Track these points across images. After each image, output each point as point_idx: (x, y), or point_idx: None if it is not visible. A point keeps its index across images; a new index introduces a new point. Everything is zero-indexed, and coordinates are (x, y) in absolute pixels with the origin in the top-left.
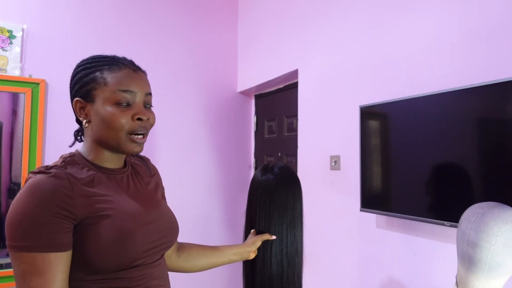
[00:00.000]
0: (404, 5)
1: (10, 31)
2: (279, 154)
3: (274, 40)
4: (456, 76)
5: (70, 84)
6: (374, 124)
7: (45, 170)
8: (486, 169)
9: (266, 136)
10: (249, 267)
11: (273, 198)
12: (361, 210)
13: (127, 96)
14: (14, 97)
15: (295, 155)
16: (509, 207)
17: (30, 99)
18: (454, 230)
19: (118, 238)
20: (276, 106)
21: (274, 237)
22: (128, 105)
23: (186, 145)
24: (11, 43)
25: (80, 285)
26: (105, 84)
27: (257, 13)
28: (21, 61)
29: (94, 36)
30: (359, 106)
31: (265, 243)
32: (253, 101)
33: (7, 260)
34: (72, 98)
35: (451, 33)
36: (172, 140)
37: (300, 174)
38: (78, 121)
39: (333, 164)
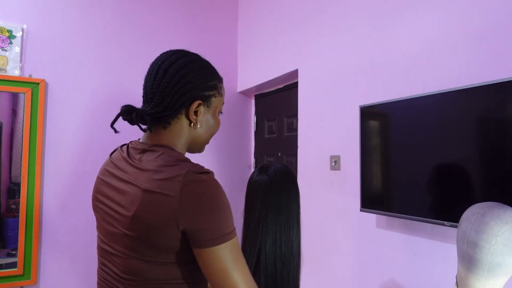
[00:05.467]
0: (404, 5)
1: (10, 31)
2: (279, 154)
3: (274, 40)
4: (456, 76)
5: (184, 82)
6: (374, 124)
7: (206, 170)
8: (486, 169)
9: (266, 136)
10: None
11: (267, 199)
12: (361, 210)
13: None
14: (14, 97)
15: (295, 155)
16: (509, 207)
17: (30, 99)
18: (454, 230)
19: None
20: (276, 106)
21: None
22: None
23: None
24: (11, 43)
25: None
26: (222, 95)
27: (257, 13)
28: (21, 61)
29: (94, 36)
30: (359, 106)
31: (259, 244)
32: (253, 101)
33: (7, 260)
34: (186, 97)
35: (451, 33)
36: None
37: (300, 174)
38: (162, 114)
39: (333, 164)
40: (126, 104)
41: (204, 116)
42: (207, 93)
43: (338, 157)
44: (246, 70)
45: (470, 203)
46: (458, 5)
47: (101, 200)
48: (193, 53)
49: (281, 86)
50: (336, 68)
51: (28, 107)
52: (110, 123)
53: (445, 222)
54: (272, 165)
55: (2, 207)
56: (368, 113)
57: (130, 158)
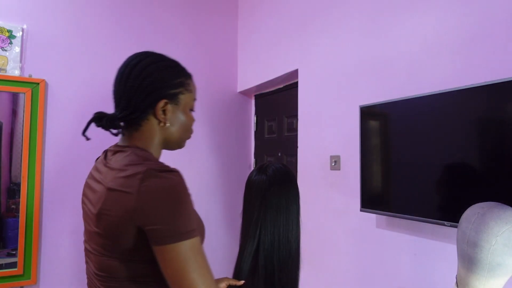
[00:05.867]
0: (404, 5)
1: (10, 31)
2: (279, 154)
3: (274, 40)
4: (456, 76)
5: (148, 82)
6: (374, 124)
7: (169, 168)
8: (486, 169)
9: (266, 136)
10: (241, 270)
11: (266, 200)
12: (361, 210)
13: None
14: (14, 97)
15: (295, 155)
16: (509, 207)
17: (30, 99)
18: (454, 230)
19: (201, 226)
20: (276, 106)
21: (241, 282)
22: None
23: (186, 145)
24: (11, 43)
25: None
26: (190, 91)
27: (257, 13)
28: (21, 61)
29: (94, 36)
30: (359, 106)
31: (257, 245)
32: (253, 101)
33: (7, 260)
34: (151, 97)
35: (451, 33)
36: None
37: (300, 174)
38: (130, 117)
39: (333, 164)
40: (99, 111)
41: (173, 114)
42: (172, 91)
43: (338, 157)
44: (246, 70)
45: (470, 203)
46: (458, 5)
47: (83, 200)
48: (156, 54)
49: (281, 86)
50: (336, 68)
51: (28, 107)
52: (96, 125)
53: (445, 222)
54: (271, 165)
55: (2, 207)
56: (368, 113)
57: (105, 159)
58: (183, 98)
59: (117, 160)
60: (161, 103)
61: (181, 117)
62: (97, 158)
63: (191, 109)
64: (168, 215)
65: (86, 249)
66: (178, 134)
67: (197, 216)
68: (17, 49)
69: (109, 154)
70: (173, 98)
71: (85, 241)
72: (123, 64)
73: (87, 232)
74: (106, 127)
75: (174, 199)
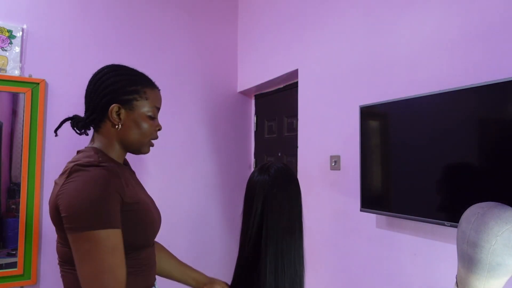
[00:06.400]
0: (404, 5)
1: (10, 31)
2: (279, 154)
3: (274, 40)
4: (456, 76)
5: (103, 87)
6: (374, 124)
7: (97, 164)
8: (486, 169)
9: (266, 136)
10: (242, 273)
11: (268, 202)
12: (361, 210)
13: (156, 111)
14: (14, 97)
15: (295, 155)
16: (509, 207)
17: (30, 99)
18: (454, 230)
19: (147, 222)
20: (276, 106)
21: None
22: (154, 118)
23: (186, 145)
24: (11, 43)
25: None
26: (146, 98)
27: (257, 13)
28: (21, 61)
29: (94, 37)
30: (359, 106)
31: (258, 248)
32: (253, 101)
33: (7, 260)
34: (105, 100)
35: (451, 33)
36: (172, 140)
37: (300, 174)
38: (89, 119)
39: (333, 164)
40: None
41: (127, 118)
42: (125, 97)
43: (338, 157)
44: (246, 70)
45: (470, 203)
46: (458, 5)
47: None
48: (122, 66)
49: (281, 86)
50: (336, 68)
51: (28, 107)
52: (70, 125)
53: (445, 222)
54: (273, 165)
55: (2, 207)
56: (368, 113)
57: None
58: (138, 104)
59: (69, 161)
60: (114, 107)
61: (137, 122)
62: None
63: (151, 117)
64: (79, 204)
65: None
66: (133, 138)
67: (143, 212)
68: (17, 49)
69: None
70: (126, 103)
71: None
72: (93, 75)
73: None
74: (73, 127)
75: (87, 191)
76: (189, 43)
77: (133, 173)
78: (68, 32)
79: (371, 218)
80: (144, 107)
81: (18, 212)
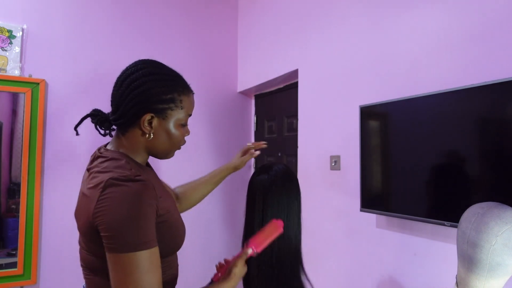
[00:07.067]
0: (404, 5)
1: (10, 31)
2: (279, 154)
3: (274, 40)
4: (456, 76)
5: (136, 93)
6: (374, 124)
7: (133, 178)
8: (486, 169)
9: (266, 136)
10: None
11: (267, 199)
12: (361, 210)
13: (188, 118)
14: (14, 97)
15: (295, 155)
16: (509, 207)
17: (30, 99)
18: (454, 230)
19: (178, 229)
20: (276, 106)
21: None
22: (186, 125)
23: (186, 145)
24: (11, 43)
25: None
26: (182, 108)
27: (257, 13)
28: (21, 61)
29: (93, 37)
30: (359, 106)
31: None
32: (253, 101)
33: (7, 260)
34: (137, 108)
35: (451, 33)
36: None
37: (300, 174)
38: (116, 122)
39: (333, 164)
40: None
41: (159, 128)
42: (160, 106)
43: (338, 157)
44: (246, 70)
45: (470, 203)
46: (458, 5)
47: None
48: (156, 65)
49: (281, 86)
50: (336, 68)
51: (28, 107)
52: (91, 121)
53: (445, 222)
54: (273, 165)
55: (2, 207)
56: (368, 113)
57: (91, 161)
58: (172, 113)
59: (95, 166)
60: (147, 116)
61: (169, 131)
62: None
63: (183, 124)
64: (119, 224)
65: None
66: (163, 147)
67: (172, 222)
68: (17, 49)
69: (94, 155)
70: (160, 113)
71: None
72: (123, 69)
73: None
74: (97, 125)
75: (127, 208)
76: (189, 43)
77: (154, 172)
78: (68, 32)
79: (371, 218)
80: (179, 116)
81: (18, 212)
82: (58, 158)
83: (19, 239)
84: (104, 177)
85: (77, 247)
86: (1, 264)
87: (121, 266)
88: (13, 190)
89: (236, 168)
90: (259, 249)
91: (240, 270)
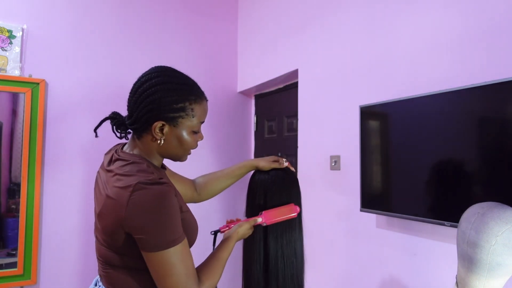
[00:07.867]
0: (404, 5)
1: (10, 31)
2: (279, 154)
3: (274, 40)
4: (456, 76)
5: (148, 101)
6: (374, 124)
7: (158, 181)
8: (486, 169)
9: (266, 136)
10: (248, 267)
11: (269, 199)
12: (361, 210)
13: (201, 125)
14: (14, 97)
15: (295, 155)
16: (509, 207)
17: (30, 99)
18: (454, 230)
19: (193, 225)
20: (276, 106)
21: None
22: (198, 132)
23: None
24: (11, 43)
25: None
26: (193, 116)
27: (257, 13)
28: (21, 61)
29: (94, 36)
30: (359, 106)
31: (261, 245)
32: (253, 101)
33: (7, 260)
34: (149, 115)
35: (451, 33)
36: None
37: (300, 174)
38: (131, 127)
39: (333, 164)
40: (115, 111)
41: (170, 134)
42: (171, 114)
43: (338, 157)
44: (246, 70)
45: (470, 203)
46: (458, 5)
47: (94, 189)
48: (169, 73)
49: (281, 86)
50: (336, 68)
51: (28, 107)
52: (110, 124)
53: (445, 222)
54: None
55: (2, 207)
56: (368, 113)
57: (109, 162)
58: (183, 121)
59: (116, 168)
60: (158, 124)
61: (181, 138)
62: (107, 152)
63: (195, 131)
64: (152, 227)
65: (94, 230)
66: (174, 152)
67: (189, 219)
68: (17, 49)
69: (113, 157)
70: (171, 121)
71: (95, 223)
72: (139, 76)
73: (95, 219)
74: (114, 127)
75: (157, 211)
76: (189, 43)
77: (165, 173)
78: (68, 32)
79: (371, 218)
80: (190, 123)
81: (18, 212)
82: (58, 158)
83: (19, 239)
84: (130, 180)
85: (77, 247)
86: (1, 264)
87: (158, 263)
88: (13, 190)
89: (258, 167)
90: (269, 222)
91: (243, 230)
